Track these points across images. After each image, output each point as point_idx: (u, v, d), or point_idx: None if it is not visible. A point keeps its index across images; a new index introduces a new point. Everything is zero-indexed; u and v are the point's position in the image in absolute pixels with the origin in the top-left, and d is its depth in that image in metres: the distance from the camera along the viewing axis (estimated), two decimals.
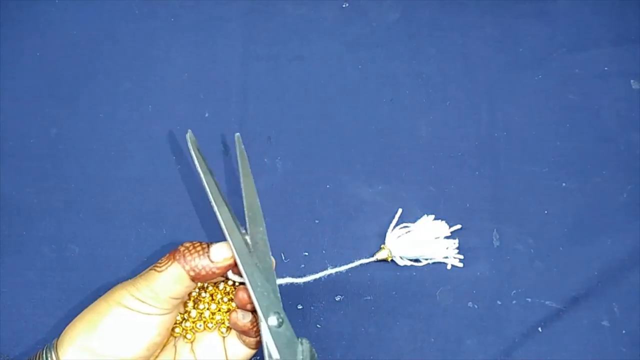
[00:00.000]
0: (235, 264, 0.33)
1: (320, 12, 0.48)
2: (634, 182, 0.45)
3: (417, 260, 0.42)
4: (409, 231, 0.42)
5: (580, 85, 0.47)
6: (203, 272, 0.32)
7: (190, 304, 0.36)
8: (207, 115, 0.46)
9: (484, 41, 0.48)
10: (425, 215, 0.43)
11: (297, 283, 0.37)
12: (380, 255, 0.41)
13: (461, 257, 0.43)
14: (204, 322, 0.36)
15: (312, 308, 0.42)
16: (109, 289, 0.34)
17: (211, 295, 0.36)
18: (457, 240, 0.43)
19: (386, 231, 0.43)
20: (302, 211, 0.44)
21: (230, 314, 0.34)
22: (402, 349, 0.41)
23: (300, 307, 0.42)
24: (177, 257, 0.32)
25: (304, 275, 0.38)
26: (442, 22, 0.48)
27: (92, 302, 0.40)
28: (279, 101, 0.46)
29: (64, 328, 0.33)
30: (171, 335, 0.36)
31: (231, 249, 0.33)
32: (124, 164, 0.44)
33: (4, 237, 0.43)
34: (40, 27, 0.47)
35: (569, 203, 0.44)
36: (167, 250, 0.42)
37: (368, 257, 0.41)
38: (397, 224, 0.43)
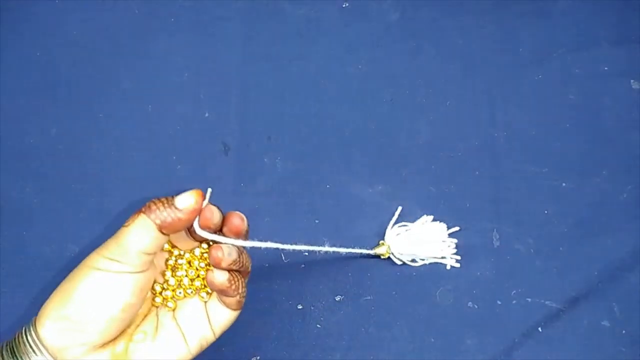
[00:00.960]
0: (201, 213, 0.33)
1: (320, 12, 0.48)
2: (634, 182, 0.45)
3: (413, 260, 0.42)
4: (408, 230, 0.42)
5: (580, 85, 0.47)
6: (169, 219, 0.32)
7: (169, 272, 0.36)
8: (207, 115, 0.46)
9: (484, 41, 0.48)
10: (425, 215, 0.43)
11: (276, 248, 0.35)
12: (379, 250, 0.41)
13: (458, 257, 0.43)
14: (184, 289, 0.36)
15: (312, 308, 0.42)
16: None
17: (188, 261, 0.36)
18: (455, 241, 0.43)
19: (386, 231, 0.43)
20: (302, 211, 0.44)
21: (206, 275, 0.34)
22: (402, 349, 0.41)
23: (300, 307, 0.42)
24: (144, 210, 0.33)
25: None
26: (442, 22, 0.48)
27: None
28: (279, 101, 0.46)
29: None
30: (152, 305, 0.36)
31: (195, 197, 0.33)
32: (124, 164, 0.44)
33: (4, 237, 0.43)
34: (40, 27, 0.47)
35: (569, 203, 0.44)
36: None
37: (366, 249, 0.42)
38: (396, 223, 0.43)
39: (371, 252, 0.41)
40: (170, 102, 0.46)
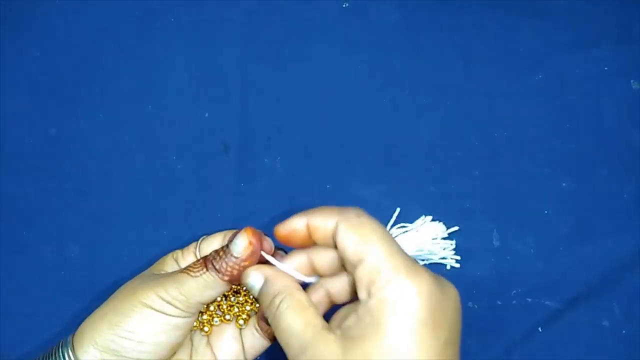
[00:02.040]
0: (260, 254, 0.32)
1: (320, 12, 0.48)
2: (634, 182, 0.45)
3: None
4: (406, 231, 0.42)
5: (580, 85, 0.47)
6: (235, 272, 0.32)
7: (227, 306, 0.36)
8: (207, 115, 0.46)
9: (484, 41, 0.48)
10: (423, 215, 0.43)
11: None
12: None
13: (458, 257, 0.43)
14: (222, 314, 0.36)
15: None
16: (124, 284, 0.33)
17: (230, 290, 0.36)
18: (454, 242, 0.43)
19: None
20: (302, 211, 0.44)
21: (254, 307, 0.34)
22: None
23: None
24: (211, 264, 0.32)
25: None
26: (442, 22, 0.48)
27: (91, 302, 0.41)
28: (279, 101, 0.46)
29: (67, 332, 0.33)
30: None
31: (246, 236, 0.32)
32: (124, 164, 0.44)
33: (4, 237, 0.43)
34: (40, 27, 0.47)
35: (569, 203, 0.44)
36: (167, 250, 0.42)
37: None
38: (394, 224, 0.43)
39: None
40: (170, 102, 0.46)
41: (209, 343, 0.35)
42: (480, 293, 0.42)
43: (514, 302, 0.42)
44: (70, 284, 0.42)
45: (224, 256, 0.32)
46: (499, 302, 0.42)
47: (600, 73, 0.47)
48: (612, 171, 0.45)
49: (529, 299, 0.42)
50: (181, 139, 0.45)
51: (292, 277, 0.32)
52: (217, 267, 0.32)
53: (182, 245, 0.43)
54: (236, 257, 0.32)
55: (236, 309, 0.36)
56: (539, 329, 0.42)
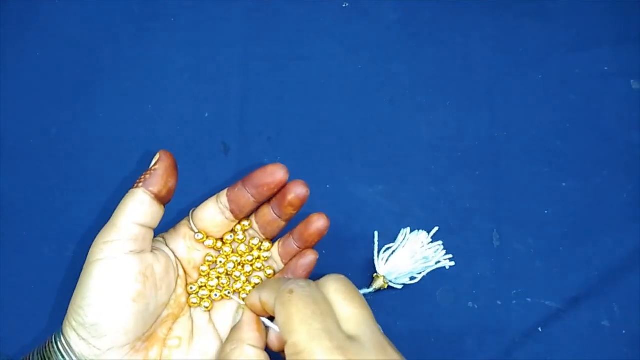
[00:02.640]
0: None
1: (320, 12, 0.48)
2: (634, 182, 0.45)
3: (412, 278, 0.42)
4: (393, 251, 0.42)
5: (580, 85, 0.47)
6: (148, 175, 0.33)
7: (205, 267, 0.35)
8: (207, 115, 0.46)
9: (484, 41, 0.48)
10: (402, 229, 0.43)
11: None
12: (377, 284, 0.41)
13: (451, 256, 0.42)
14: (222, 289, 0.35)
15: None
16: None
17: (230, 260, 0.36)
18: (441, 243, 0.42)
19: (386, 231, 0.43)
20: (302, 211, 0.44)
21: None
22: (402, 349, 0.41)
23: None
24: (133, 186, 0.33)
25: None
26: (442, 22, 0.48)
27: None
28: (279, 101, 0.46)
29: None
30: (187, 305, 0.35)
31: (159, 155, 0.34)
32: (124, 164, 0.44)
33: (4, 237, 0.43)
34: (40, 27, 0.47)
35: (569, 203, 0.44)
36: None
37: (366, 287, 0.41)
38: (380, 246, 0.42)
39: (371, 290, 0.41)
40: (170, 102, 0.46)
41: (211, 320, 0.35)
42: (480, 293, 0.42)
43: (514, 302, 0.42)
44: (70, 284, 0.42)
45: (147, 174, 0.34)
46: (499, 302, 0.42)
47: (600, 73, 0.47)
48: (612, 171, 0.45)
49: (529, 299, 0.42)
50: (181, 139, 0.45)
51: (257, 332, 0.32)
52: (135, 183, 0.33)
53: None
54: (152, 169, 0.34)
55: (238, 284, 0.35)
56: (539, 329, 0.42)
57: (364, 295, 0.41)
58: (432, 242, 0.43)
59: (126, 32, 0.47)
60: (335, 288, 0.31)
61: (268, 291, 0.32)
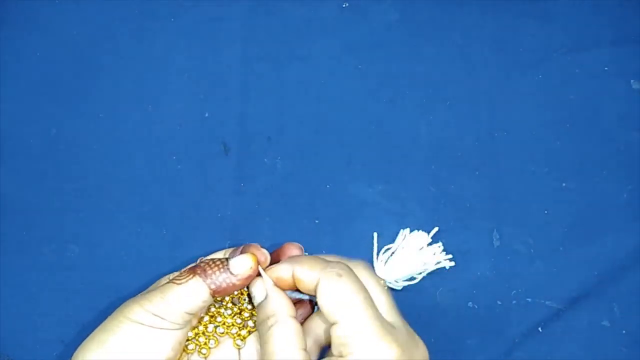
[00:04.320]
0: (259, 275, 0.33)
1: (320, 12, 0.48)
2: (634, 182, 0.45)
3: (412, 279, 0.42)
4: (392, 252, 0.42)
5: (580, 85, 0.47)
6: (224, 285, 0.32)
7: (207, 318, 0.36)
8: (207, 115, 0.46)
9: (484, 41, 0.48)
10: (402, 230, 0.43)
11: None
12: None
13: (450, 256, 0.42)
14: (219, 336, 0.35)
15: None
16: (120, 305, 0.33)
17: (226, 308, 0.36)
18: (440, 244, 0.42)
19: (386, 231, 0.43)
20: (302, 211, 0.44)
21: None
22: None
23: None
24: (198, 272, 0.32)
25: None
26: (442, 22, 0.48)
27: (92, 303, 0.40)
28: (279, 101, 0.46)
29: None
30: (184, 352, 0.35)
31: (251, 263, 0.33)
32: (124, 164, 0.44)
33: (4, 237, 0.43)
34: (40, 27, 0.47)
35: (569, 203, 0.44)
36: (167, 250, 0.43)
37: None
38: (380, 247, 0.42)
39: None
40: (170, 102, 0.46)
41: None
42: (480, 293, 0.42)
43: (514, 302, 0.42)
44: (70, 284, 0.42)
45: (221, 267, 0.32)
46: (499, 302, 0.42)
47: (600, 73, 0.47)
48: (612, 171, 0.45)
49: (529, 299, 0.42)
50: (181, 139, 0.45)
51: (289, 298, 0.33)
52: (207, 273, 0.32)
53: (182, 245, 0.43)
54: (232, 274, 0.32)
55: (234, 330, 0.36)
56: (539, 329, 0.42)
57: None
58: (431, 242, 0.42)
59: (126, 32, 0.47)
60: (368, 275, 0.32)
61: (308, 268, 0.32)
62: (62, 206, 0.43)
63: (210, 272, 0.32)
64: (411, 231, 0.43)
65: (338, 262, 0.33)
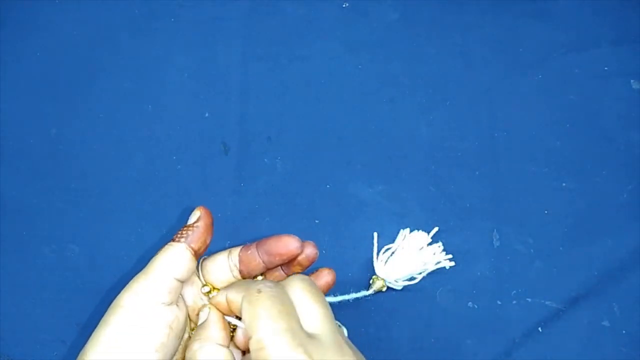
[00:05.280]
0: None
1: (320, 12, 0.48)
2: (634, 182, 0.45)
3: (412, 279, 0.42)
4: (393, 252, 0.42)
5: (580, 85, 0.47)
6: (196, 237, 0.34)
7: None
8: (207, 115, 0.46)
9: (484, 41, 0.48)
10: (401, 230, 0.43)
11: None
12: (376, 286, 0.41)
13: (450, 256, 0.42)
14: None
15: None
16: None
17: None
18: (440, 244, 0.42)
19: (386, 231, 0.43)
20: (302, 211, 0.44)
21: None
22: (402, 349, 0.41)
23: None
24: (174, 239, 0.35)
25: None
26: (442, 22, 0.48)
27: (92, 303, 0.40)
28: (279, 101, 0.46)
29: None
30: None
31: (200, 212, 0.36)
32: (124, 164, 0.44)
33: (4, 237, 0.43)
34: (40, 27, 0.47)
35: (569, 203, 0.44)
36: None
37: (365, 289, 0.41)
38: (380, 247, 0.42)
39: (370, 292, 0.41)
40: (170, 102, 0.46)
41: None
42: (480, 293, 0.42)
43: (514, 302, 0.42)
44: (70, 284, 0.42)
45: (190, 228, 0.35)
46: (499, 302, 0.42)
47: (600, 73, 0.47)
48: (612, 171, 0.45)
49: (529, 299, 0.42)
50: (181, 139, 0.45)
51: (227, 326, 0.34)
52: (176, 237, 0.35)
53: None
54: (192, 225, 0.35)
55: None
56: (539, 329, 0.42)
57: (364, 297, 0.41)
58: (431, 242, 0.42)
59: (126, 32, 0.47)
60: (301, 287, 0.32)
61: (236, 290, 0.33)
62: (62, 206, 0.43)
63: (182, 234, 0.34)
64: (411, 231, 0.43)
65: (263, 280, 0.34)
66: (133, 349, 0.31)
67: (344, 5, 0.49)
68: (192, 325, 0.36)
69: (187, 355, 0.32)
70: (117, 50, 0.47)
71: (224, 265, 0.36)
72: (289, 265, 0.37)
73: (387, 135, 0.46)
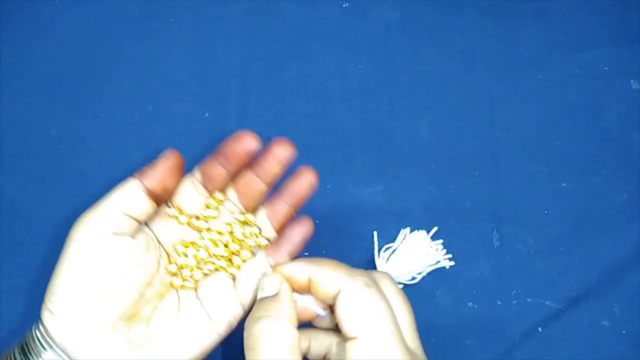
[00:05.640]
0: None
1: (320, 12, 0.48)
2: (634, 182, 0.45)
3: (413, 279, 0.42)
4: (393, 251, 0.42)
5: (580, 85, 0.47)
6: (155, 175, 0.32)
7: (180, 246, 0.34)
8: (207, 115, 0.46)
9: (484, 41, 0.48)
10: (402, 229, 0.43)
11: None
12: None
13: (450, 256, 0.42)
14: (204, 265, 0.34)
15: None
16: None
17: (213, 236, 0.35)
18: (440, 241, 0.42)
19: (386, 231, 0.43)
20: (302, 211, 0.44)
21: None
22: None
23: None
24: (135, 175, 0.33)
25: None
26: (442, 22, 0.48)
27: None
28: (279, 101, 0.46)
29: None
30: (171, 287, 0.34)
31: (167, 154, 0.33)
32: (124, 164, 0.44)
33: (4, 237, 0.43)
34: (40, 27, 0.47)
35: (569, 203, 0.44)
36: None
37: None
38: (380, 246, 0.42)
39: None
40: (170, 102, 0.46)
41: (197, 297, 0.33)
42: (480, 293, 0.42)
43: (514, 302, 0.42)
44: None
45: (153, 164, 0.33)
46: (499, 302, 0.42)
47: (600, 73, 0.47)
48: (612, 171, 0.45)
49: (529, 299, 0.42)
50: (181, 139, 0.45)
51: (295, 310, 0.30)
52: (139, 173, 0.33)
53: None
54: (154, 165, 0.33)
55: (223, 262, 0.34)
56: (539, 329, 0.42)
57: None
58: (432, 241, 0.42)
59: (126, 32, 0.47)
60: (395, 290, 0.30)
61: (330, 273, 0.29)
62: (62, 206, 0.43)
63: (143, 170, 0.33)
64: (412, 231, 0.43)
65: (362, 273, 0.30)
66: (84, 280, 0.30)
67: (344, 5, 0.49)
68: (171, 260, 0.34)
69: (253, 329, 0.28)
70: (117, 50, 0.47)
71: (187, 185, 0.34)
72: (265, 164, 0.34)
73: (387, 135, 0.46)
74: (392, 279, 0.31)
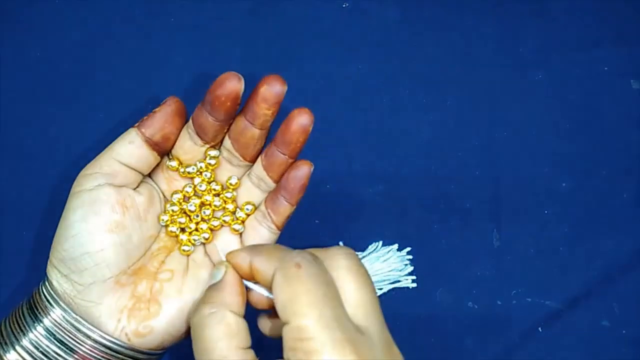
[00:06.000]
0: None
1: (320, 12, 0.48)
2: (634, 182, 0.45)
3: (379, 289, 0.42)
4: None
5: (580, 85, 0.47)
6: (154, 124, 0.31)
7: (179, 195, 0.33)
8: None
9: (484, 41, 0.48)
10: (374, 242, 0.43)
11: None
12: None
13: (414, 277, 0.42)
14: (209, 220, 0.33)
15: None
16: None
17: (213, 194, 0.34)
18: (410, 257, 0.42)
19: (385, 231, 0.43)
20: (302, 211, 0.44)
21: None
22: (402, 349, 0.41)
23: None
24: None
25: None
26: (442, 22, 0.48)
27: None
28: None
29: None
30: (178, 242, 0.33)
31: (168, 100, 0.32)
32: None
33: (4, 237, 0.43)
34: (40, 27, 0.47)
35: (569, 203, 0.44)
36: None
37: None
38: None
39: None
40: None
41: (206, 253, 0.33)
42: (480, 293, 0.42)
43: (514, 302, 0.42)
44: None
45: (151, 114, 0.32)
46: (499, 302, 0.42)
47: (600, 73, 0.47)
48: (612, 171, 0.45)
49: (529, 299, 0.42)
50: None
51: (244, 292, 0.29)
52: (139, 122, 0.32)
53: None
54: (153, 112, 0.32)
55: (227, 217, 0.33)
56: (539, 329, 0.42)
57: None
58: (403, 259, 0.42)
59: (126, 32, 0.47)
60: (347, 266, 0.27)
61: (266, 258, 0.28)
62: (62, 206, 0.43)
63: (142, 120, 0.32)
64: (410, 232, 0.43)
65: (303, 251, 0.28)
66: (88, 232, 0.30)
67: (344, 5, 0.49)
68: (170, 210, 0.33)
69: (194, 318, 0.27)
70: (117, 50, 0.47)
71: (183, 135, 0.33)
72: (252, 105, 0.33)
73: (387, 135, 0.46)
74: (352, 254, 0.28)
